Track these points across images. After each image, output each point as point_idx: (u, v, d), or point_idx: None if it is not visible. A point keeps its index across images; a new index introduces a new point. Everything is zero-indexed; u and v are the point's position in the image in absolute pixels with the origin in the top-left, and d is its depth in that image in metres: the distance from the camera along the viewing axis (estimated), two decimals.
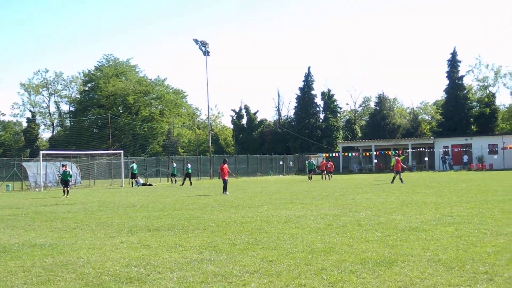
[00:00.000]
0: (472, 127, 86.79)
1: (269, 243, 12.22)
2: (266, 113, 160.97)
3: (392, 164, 51.05)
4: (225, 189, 31.45)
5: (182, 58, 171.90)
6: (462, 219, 15.34)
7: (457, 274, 8.45)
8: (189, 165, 50.39)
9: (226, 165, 32.76)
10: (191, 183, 48.46)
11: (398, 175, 39.97)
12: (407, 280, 8.20)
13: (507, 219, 14.98)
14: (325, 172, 55.09)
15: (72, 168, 48.58)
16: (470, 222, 14.59)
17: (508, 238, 11.67)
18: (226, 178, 32.01)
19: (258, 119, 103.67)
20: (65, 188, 33.94)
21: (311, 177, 52.78)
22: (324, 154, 78.84)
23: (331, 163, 56.71)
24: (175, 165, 54.04)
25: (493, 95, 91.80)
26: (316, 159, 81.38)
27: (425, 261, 9.50)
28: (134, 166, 50.47)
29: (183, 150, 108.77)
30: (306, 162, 61.06)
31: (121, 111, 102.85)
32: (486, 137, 76.62)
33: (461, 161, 74.11)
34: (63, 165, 37.55)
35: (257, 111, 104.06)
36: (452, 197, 23.63)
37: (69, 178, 35.23)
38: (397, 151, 73.39)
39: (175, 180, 52.60)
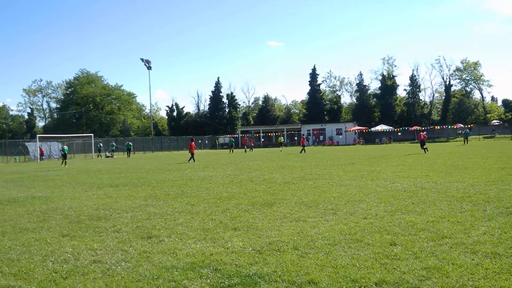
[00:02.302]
0: (326, 117, 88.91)
1: (191, 193, 12.24)
2: (190, 108, 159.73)
3: (278, 141, 51.85)
4: (192, 158, 29.89)
5: (133, 70, 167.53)
6: (318, 176, 15.85)
7: (313, 210, 8.75)
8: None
9: (193, 142, 30.64)
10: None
11: (303, 147, 40.90)
12: (282, 214, 8.44)
13: (346, 176, 15.61)
14: (246, 146, 52.36)
15: (58, 146, 48.88)
16: (323, 178, 15.09)
17: (346, 188, 12.16)
18: (193, 151, 30.27)
19: (184, 112, 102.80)
20: (64, 160, 33.57)
21: (232, 150, 49.58)
22: (228, 135, 78.98)
23: (246, 139, 54.42)
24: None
25: (339, 97, 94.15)
26: (223, 138, 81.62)
27: (293, 203, 9.78)
28: (99, 144, 52.90)
29: (133, 133, 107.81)
30: (228, 139, 59.54)
31: (91, 107, 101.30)
32: (335, 124, 78.59)
33: (319, 140, 76.13)
34: (63, 143, 38.07)
35: (184, 107, 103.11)
36: (312, 163, 24.28)
37: (66, 152, 34.49)
38: (277, 133, 74.59)
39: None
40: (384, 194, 10.67)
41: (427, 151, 31.14)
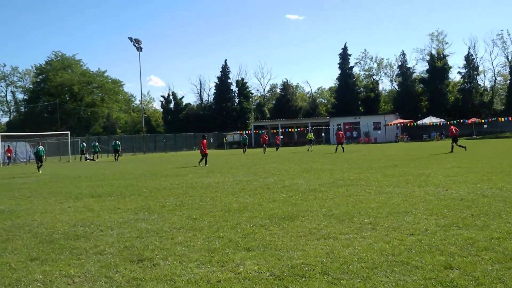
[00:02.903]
0: (360, 108, 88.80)
1: (193, 204, 12.21)
2: (190, 98, 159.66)
3: (308, 138, 51.43)
4: (205, 162, 29.18)
5: (120, 52, 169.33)
6: (352, 182, 15.73)
7: (347, 225, 8.64)
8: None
9: (205, 141, 30.17)
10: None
11: (340, 145, 40.40)
12: (306, 230, 8.34)
13: (387, 181, 15.47)
14: (266, 145, 50.54)
15: (26, 147, 48.21)
16: (358, 184, 14.97)
17: (387, 196, 12.04)
18: (206, 152, 29.51)
19: (184, 104, 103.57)
20: (39, 163, 31.96)
21: (245, 150, 49.08)
22: (239, 132, 79.24)
23: (266, 136, 52.68)
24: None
25: (376, 82, 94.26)
26: (232, 136, 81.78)
27: (321, 216, 9.68)
28: (82, 144, 52.53)
29: (120, 130, 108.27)
30: (240, 137, 59.22)
31: (67, 98, 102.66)
32: (371, 116, 78.56)
33: (352, 136, 75.81)
34: (38, 143, 35.84)
35: (183, 97, 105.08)
36: (343, 165, 24.18)
37: (42, 155, 32.94)
38: (300, 129, 74.47)
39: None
40: (436, 203, 10.54)
41: (465, 149, 31.92)
